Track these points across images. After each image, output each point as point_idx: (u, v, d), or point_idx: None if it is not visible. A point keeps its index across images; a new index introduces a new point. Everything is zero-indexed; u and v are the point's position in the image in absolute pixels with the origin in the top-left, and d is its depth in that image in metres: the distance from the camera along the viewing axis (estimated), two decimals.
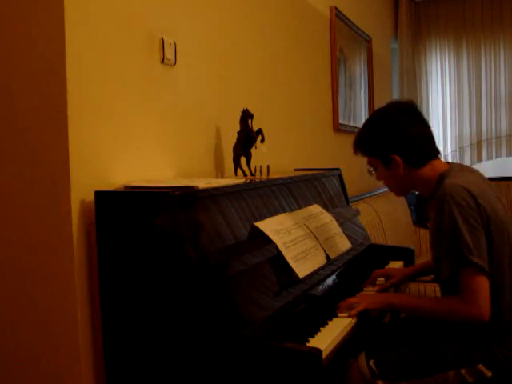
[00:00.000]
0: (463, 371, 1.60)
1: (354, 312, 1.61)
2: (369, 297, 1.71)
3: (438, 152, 1.76)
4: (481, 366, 1.60)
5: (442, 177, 1.67)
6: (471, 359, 1.61)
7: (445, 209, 1.57)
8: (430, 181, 1.70)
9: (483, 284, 1.55)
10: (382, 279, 2.02)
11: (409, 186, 1.78)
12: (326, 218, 2.02)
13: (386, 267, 2.17)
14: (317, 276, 1.71)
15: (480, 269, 1.53)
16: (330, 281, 1.83)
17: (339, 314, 1.61)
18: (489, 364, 1.60)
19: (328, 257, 1.82)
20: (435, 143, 1.76)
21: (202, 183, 1.46)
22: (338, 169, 2.59)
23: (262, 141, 2.00)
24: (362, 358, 1.67)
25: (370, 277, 2.01)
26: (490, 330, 1.62)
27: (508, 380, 1.60)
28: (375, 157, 1.76)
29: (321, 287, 1.74)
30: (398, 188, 1.81)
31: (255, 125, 1.98)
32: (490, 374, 1.59)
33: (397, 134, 1.70)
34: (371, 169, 1.81)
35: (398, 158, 1.69)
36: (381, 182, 1.85)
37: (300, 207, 1.96)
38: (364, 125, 1.83)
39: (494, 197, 1.67)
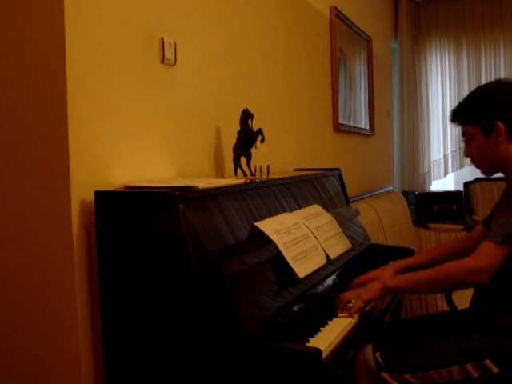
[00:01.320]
0: (469, 366, 1.60)
1: (353, 310, 1.60)
2: (365, 289, 1.69)
3: None
4: (488, 362, 1.60)
5: None
6: (478, 354, 1.61)
7: None
8: None
9: (500, 256, 1.58)
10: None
11: (500, 162, 1.75)
12: (326, 217, 2.02)
13: (370, 271, 1.96)
14: (317, 276, 1.71)
15: None
16: (329, 281, 1.83)
17: (339, 314, 1.61)
18: (497, 360, 1.60)
19: (328, 257, 1.82)
20: None
21: (202, 183, 1.46)
22: (337, 169, 2.59)
23: (262, 141, 1.99)
24: (369, 350, 1.68)
25: (352, 283, 1.87)
26: (501, 319, 1.64)
27: None
28: (477, 123, 1.73)
29: (321, 287, 1.74)
30: (488, 162, 1.77)
31: (255, 125, 1.98)
32: (496, 370, 1.59)
33: (504, 102, 1.70)
34: (464, 139, 1.79)
35: (501, 125, 1.69)
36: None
37: (300, 207, 1.96)
38: (469, 94, 1.83)
39: None
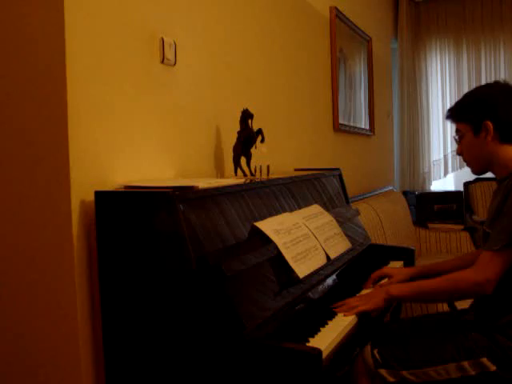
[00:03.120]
0: (465, 363, 1.61)
1: (354, 311, 1.61)
2: (368, 297, 1.71)
3: None
4: (484, 360, 1.60)
5: None
6: (474, 352, 1.62)
7: None
8: (509, 162, 1.72)
9: (503, 265, 1.60)
10: (385, 279, 2.01)
11: (488, 161, 1.79)
12: (326, 217, 2.02)
13: (386, 267, 2.14)
14: (317, 276, 1.71)
15: None
16: (330, 281, 1.83)
17: (339, 314, 1.61)
18: (494, 358, 1.60)
19: (328, 257, 1.82)
20: None
21: (202, 183, 1.46)
22: (338, 169, 2.59)
23: (262, 141, 2.00)
24: (367, 348, 1.70)
25: (370, 278, 1.98)
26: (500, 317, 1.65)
27: None
28: (467, 121, 1.78)
29: (321, 287, 1.74)
30: (477, 161, 1.82)
31: (255, 125, 1.98)
32: (494, 368, 1.60)
33: (496, 103, 1.75)
34: (457, 136, 1.84)
35: (489, 124, 1.73)
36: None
37: (300, 207, 1.96)
38: (466, 93, 1.89)
39: None
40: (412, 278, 2.00)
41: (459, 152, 1.85)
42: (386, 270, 2.02)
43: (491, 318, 1.69)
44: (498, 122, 1.73)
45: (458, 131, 1.83)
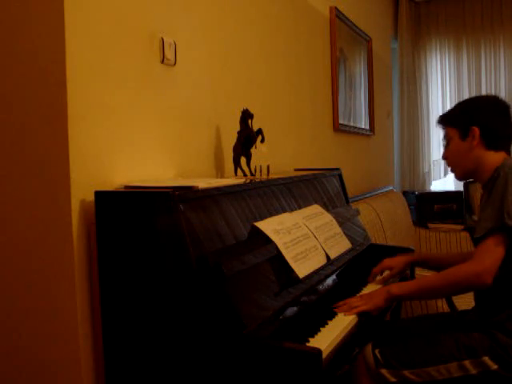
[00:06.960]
0: (467, 362, 1.61)
1: (354, 311, 1.61)
2: (369, 297, 1.70)
3: (509, 150, 1.86)
4: (486, 359, 1.60)
5: (505, 160, 1.77)
6: (476, 351, 1.62)
7: (501, 175, 1.68)
8: (493, 167, 1.76)
9: (498, 252, 1.61)
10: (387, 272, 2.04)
11: (472, 166, 1.84)
12: (326, 217, 2.02)
13: (386, 259, 2.10)
14: (317, 276, 1.71)
15: (509, 235, 1.60)
16: (329, 281, 1.83)
17: (339, 314, 1.61)
18: (496, 357, 1.60)
19: (328, 257, 1.82)
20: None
21: (202, 183, 1.46)
22: (338, 169, 2.59)
23: (262, 141, 2.00)
24: (368, 348, 1.70)
25: (372, 273, 2.02)
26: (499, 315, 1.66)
27: None
28: (455, 126, 1.86)
29: (321, 287, 1.74)
30: (461, 165, 1.87)
31: (255, 125, 1.98)
32: (495, 366, 1.60)
33: (483, 111, 1.84)
34: (445, 141, 1.93)
35: (476, 130, 1.80)
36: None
37: (300, 207, 1.96)
38: (457, 102, 1.98)
39: None
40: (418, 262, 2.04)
41: (445, 156, 1.92)
42: (386, 263, 2.05)
43: (491, 314, 1.69)
44: (485, 129, 1.80)
45: (446, 135, 1.91)
